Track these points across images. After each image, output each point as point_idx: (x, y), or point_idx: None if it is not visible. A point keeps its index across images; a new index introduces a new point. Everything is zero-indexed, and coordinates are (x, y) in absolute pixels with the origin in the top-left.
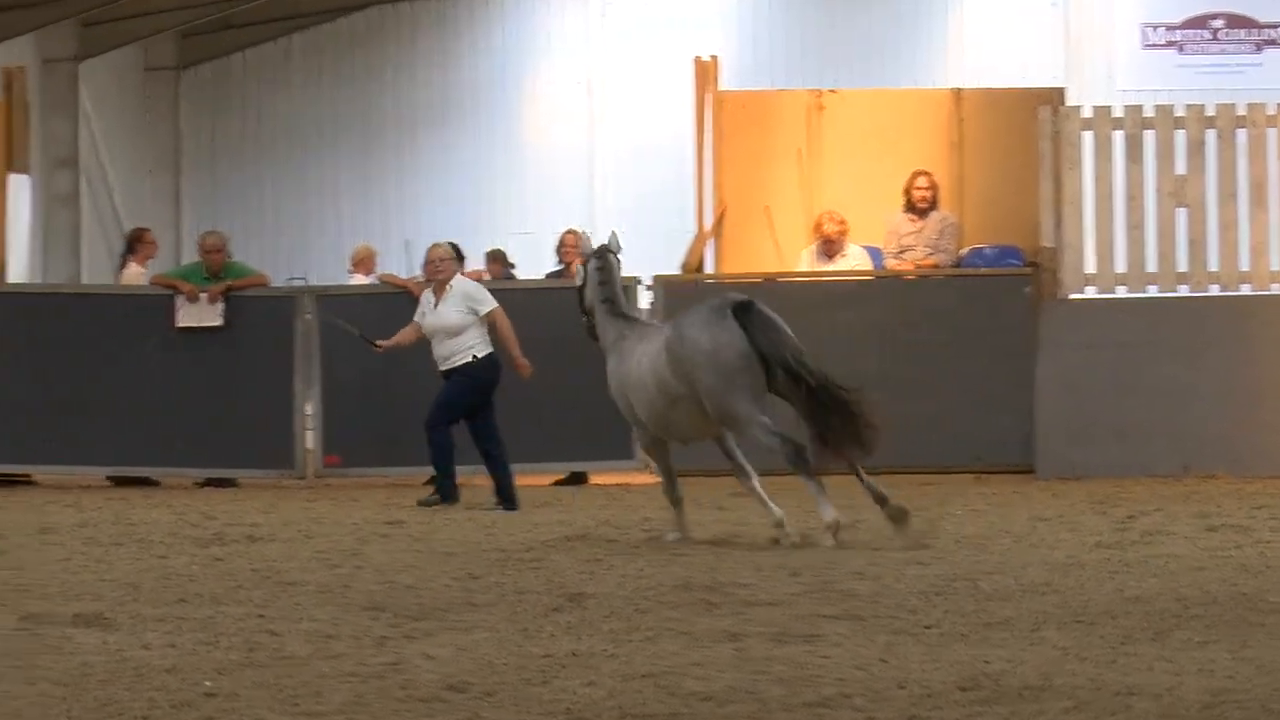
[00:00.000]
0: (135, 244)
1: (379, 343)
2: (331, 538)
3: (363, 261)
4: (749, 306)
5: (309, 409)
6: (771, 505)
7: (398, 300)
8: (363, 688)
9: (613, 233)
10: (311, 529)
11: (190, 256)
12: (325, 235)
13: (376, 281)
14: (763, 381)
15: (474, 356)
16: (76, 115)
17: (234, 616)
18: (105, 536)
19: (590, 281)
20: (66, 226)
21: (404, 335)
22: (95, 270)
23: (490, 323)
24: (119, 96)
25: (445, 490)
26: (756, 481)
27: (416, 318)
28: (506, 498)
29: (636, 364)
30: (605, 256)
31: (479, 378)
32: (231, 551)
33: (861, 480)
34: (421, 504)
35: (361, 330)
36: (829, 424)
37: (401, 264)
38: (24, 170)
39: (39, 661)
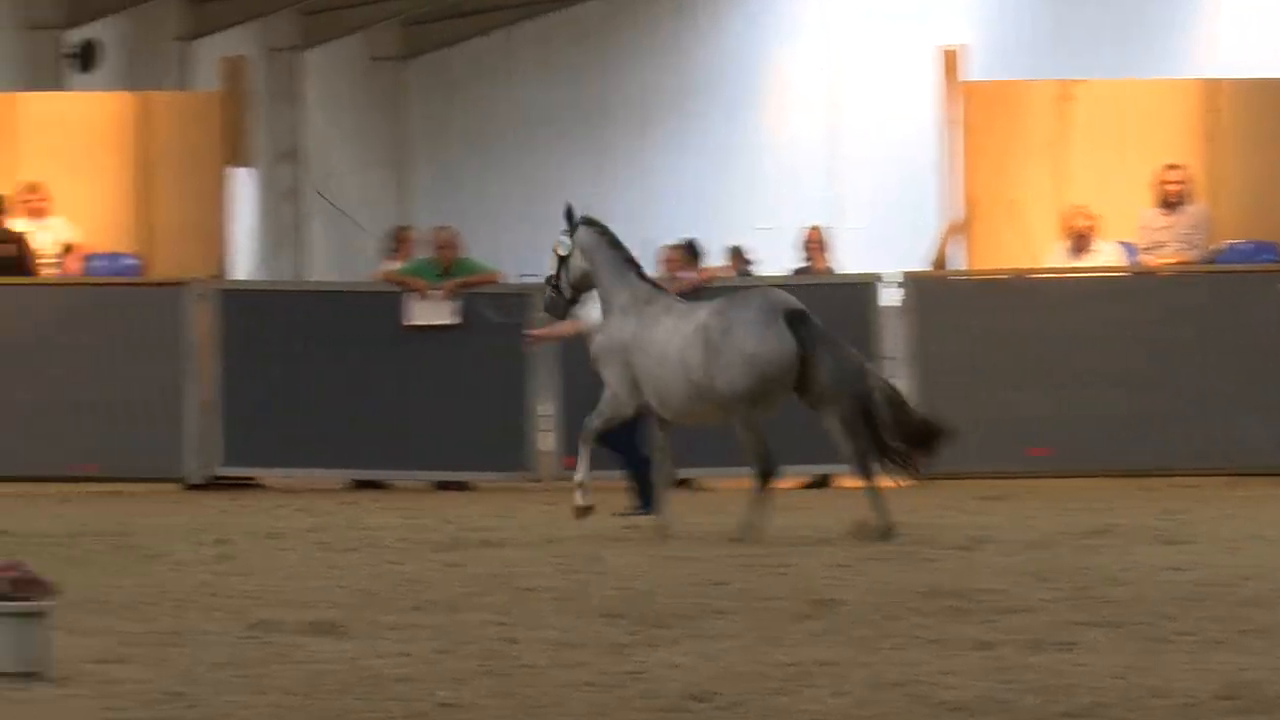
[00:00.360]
0: (398, 242)
1: (531, 333)
2: (569, 542)
3: None
4: (804, 318)
5: (546, 409)
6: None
7: None
8: (603, 697)
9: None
10: (549, 533)
11: (417, 253)
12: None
13: None
14: (788, 390)
15: None
16: (299, 107)
17: (471, 624)
18: (338, 542)
19: (593, 248)
20: (289, 221)
21: (559, 328)
22: (320, 266)
23: None
24: (342, 87)
25: (646, 499)
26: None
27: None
28: (643, 500)
29: (666, 337)
30: (599, 224)
31: None
32: (468, 556)
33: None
34: (620, 515)
35: (509, 315)
36: (894, 441)
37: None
38: (246, 163)
39: (270, 670)
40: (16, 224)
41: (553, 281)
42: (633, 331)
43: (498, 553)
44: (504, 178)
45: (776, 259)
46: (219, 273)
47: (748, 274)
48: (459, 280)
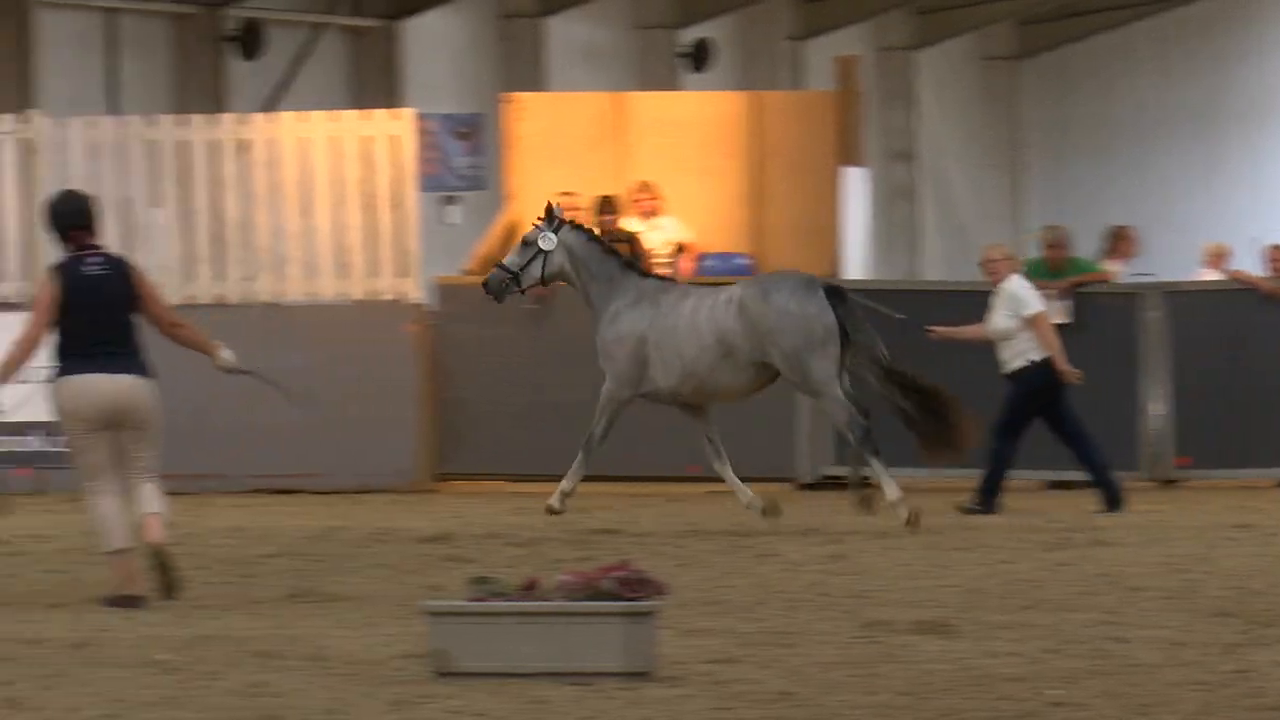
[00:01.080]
0: (1116, 241)
1: (933, 329)
2: (1179, 542)
3: (1216, 258)
4: (843, 293)
5: (1158, 409)
6: (743, 488)
7: (1246, 298)
8: (1211, 697)
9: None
10: (1158, 532)
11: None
12: (1170, 230)
13: (1225, 278)
14: (838, 359)
15: (1029, 361)
16: (912, 106)
17: (1080, 623)
18: (947, 541)
19: (583, 253)
20: (903, 220)
21: (964, 332)
22: (933, 265)
23: (1036, 328)
24: (955, 86)
25: (986, 499)
26: (728, 468)
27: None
28: (1109, 498)
29: (692, 315)
30: (585, 229)
31: (1031, 384)
32: (1077, 556)
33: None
34: (961, 510)
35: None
36: (919, 423)
37: (1254, 260)
38: (859, 163)
39: (880, 670)
40: (629, 224)
41: (511, 268)
42: (650, 320)
43: (1108, 552)
44: (1117, 177)
45: None
46: (832, 272)
47: None
48: (1071, 280)
